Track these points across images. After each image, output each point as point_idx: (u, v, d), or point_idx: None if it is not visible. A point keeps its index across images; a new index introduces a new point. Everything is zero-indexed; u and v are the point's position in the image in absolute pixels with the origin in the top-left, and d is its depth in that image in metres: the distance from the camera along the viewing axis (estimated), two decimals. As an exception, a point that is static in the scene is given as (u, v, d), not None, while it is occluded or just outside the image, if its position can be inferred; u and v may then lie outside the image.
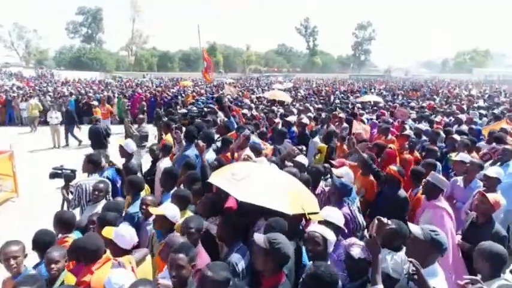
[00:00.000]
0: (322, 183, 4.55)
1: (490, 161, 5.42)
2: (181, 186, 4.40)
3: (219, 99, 8.51)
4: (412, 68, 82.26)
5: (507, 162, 5.11)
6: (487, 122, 9.93)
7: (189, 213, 3.53)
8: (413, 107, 12.78)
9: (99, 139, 9.19)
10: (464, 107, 12.80)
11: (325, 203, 4.07)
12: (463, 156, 5.04)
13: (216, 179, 3.24)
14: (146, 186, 4.67)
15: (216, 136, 6.24)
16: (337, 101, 15.41)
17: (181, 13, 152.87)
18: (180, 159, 5.10)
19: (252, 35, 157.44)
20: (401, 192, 4.19)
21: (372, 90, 22.80)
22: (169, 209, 3.13)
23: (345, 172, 4.11)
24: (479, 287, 2.16)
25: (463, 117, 9.45)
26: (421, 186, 4.33)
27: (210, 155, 5.05)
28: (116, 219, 3.15)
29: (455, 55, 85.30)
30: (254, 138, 5.72)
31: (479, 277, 2.33)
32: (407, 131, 7.27)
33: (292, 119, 8.24)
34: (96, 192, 4.11)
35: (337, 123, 8.74)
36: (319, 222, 2.96)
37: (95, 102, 14.28)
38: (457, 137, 6.25)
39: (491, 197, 3.26)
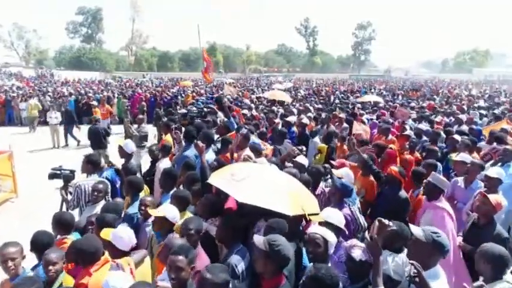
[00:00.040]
0: (322, 184, 4.53)
1: (491, 162, 5.40)
2: (181, 187, 4.38)
3: (219, 100, 8.49)
4: (412, 68, 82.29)
5: (508, 162, 5.08)
6: (488, 122, 9.90)
7: (188, 214, 3.51)
8: (413, 107, 12.75)
9: (98, 139, 9.17)
10: (465, 107, 12.79)
11: (325, 203, 4.05)
12: (464, 156, 5.02)
13: (216, 179, 3.23)
14: (145, 187, 4.65)
15: (216, 137, 6.21)
16: (337, 101, 15.39)
17: (181, 13, 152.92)
18: (180, 160, 5.08)
19: (252, 35, 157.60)
20: (402, 193, 4.17)
21: (372, 90, 22.76)
22: (170, 210, 3.11)
23: (345, 173, 4.09)
24: None
25: (464, 117, 9.43)
26: (422, 187, 4.30)
27: (210, 156, 5.03)
28: (114, 221, 3.13)
29: (455, 55, 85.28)
30: (254, 138, 5.70)
31: (481, 279, 2.31)
32: (408, 131, 7.25)
33: (292, 119, 8.22)
34: (96, 193, 4.09)
35: (337, 124, 8.72)
36: (320, 223, 2.94)
37: (95, 103, 14.26)
38: (457, 137, 6.22)
39: (493, 198, 3.23)
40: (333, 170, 4.24)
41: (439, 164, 5.34)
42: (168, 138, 6.61)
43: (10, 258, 2.75)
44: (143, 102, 16.19)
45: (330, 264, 2.60)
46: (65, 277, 2.73)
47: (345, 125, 8.77)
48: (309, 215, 2.98)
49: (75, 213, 4.48)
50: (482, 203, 3.28)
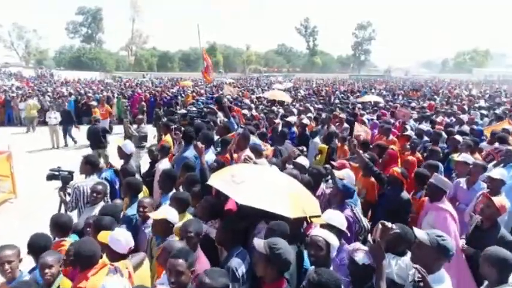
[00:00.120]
0: (323, 185, 4.48)
1: (493, 162, 5.36)
2: (180, 188, 4.33)
3: (219, 100, 8.44)
4: (412, 68, 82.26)
5: (510, 163, 5.04)
6: (489, 122, 9.86)
7: (188, 216, 3.47)
8: (414, 107, 12.71)
9: (97, 139, 9.13)
10: (465, 107, 12.75)
11: (326, 205, 4.01)
12: (466, 156, 4.97)
13: (216, 181, 3.17)
14: (144, 188, 4.61)
15: (216, 137, 6.17)
16: (336, 101, 15.35)
17: (181, 13, 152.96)
18: (179, 161, 5.04)
19: (252, 35, 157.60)
20: (404, 194, 4.13)
21: (373, 91, 22.71)
22: (170, 213, 3.07)
23: (346, 174, 4.05)
24: None
25: (465, 117, 9.39)
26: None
27: (210, 156, 4.98)
28: (111, 224, 3.08)
29: (455, 55, 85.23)
30: (254, 139, 5.65)
31: (486, 283, 2.27)
32: (409, 132, 7.22)
33: (292, 119, 8.18)
34: (95, 194, 4.04)
35: (337, 124, 8.69)
36: (321, 225, 2.90)
37: (94, 103, 14.21)
38: (459, 137, 6.18)
39: (497, 200, 3.18)
40: (335, 171, 4.19)
41: (440, 164, 5.31)
42: (167, 138, 6.56)
43: (6, 261, 2.72)
44: (143, 102, 16.14)
45: (332, 267, 2.56)
46: (62, 280, 2.69)
47: (346, 125, 8.74)
48: (310, 217, 2.94)
49: (74, 214, 4.44)
50: (487, 205, 3.23)
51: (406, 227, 2.66)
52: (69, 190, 4.60)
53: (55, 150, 12.32)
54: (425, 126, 8.38)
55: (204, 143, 4.75)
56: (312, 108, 11.00)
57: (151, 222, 3.18)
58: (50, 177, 4.70)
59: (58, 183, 4.70)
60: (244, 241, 3.02)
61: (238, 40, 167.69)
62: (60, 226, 3.26)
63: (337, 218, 2.94)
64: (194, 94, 17.98)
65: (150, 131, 10.53)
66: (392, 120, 9.15)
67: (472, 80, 47.98)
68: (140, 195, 4.20)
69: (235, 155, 4.96)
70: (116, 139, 7.09)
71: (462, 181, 4.60)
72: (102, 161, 9.05)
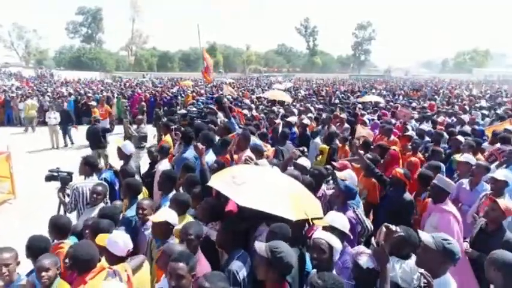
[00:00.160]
0: (323, 186, 4.44)
1: (496, 163, 5.31)
2: (180, 189, 4.29)
3: (219, 100, 8.40)
4: (412, 68, 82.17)
5: (513, 164, 4.99)
6: (490, 122, 9.82)
7: (188, 218, 3.42)
8: (414, 107, 12.68)
9: (97, 139, 9.09)
10: (466, 107, 12.70)
11: (326, 206, 3.97)
12: (468, 157, 4.93)
13: (216, 182, 3.13)
14: (144, 189, 4.56)
15: (217, 138, 6.11)
16: (337, 101, 15.32)
17: (181, 13, 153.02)
18: (179, 161, 4.99)
19: (252, 35, 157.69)
20: (407, 195, 4.09)
21: (373, 91, 22.66)
22: (170, 215, 3.02)
23: (348, 175, 4.01)
24: None
25: (466, 117, 9.35)
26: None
27: (210, 157, 4.93)
28: (109, 227, 3.03)
29: (455, 55, 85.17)
30: (255, 139, 5.61)
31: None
32: (410, 132, 7.18)
33: (293, 119, 8.13)
34: (95, 195, 4.00)
35: (338, 124, 8.64)
36: (324, 227, 2.85)
37: (93, 103, 14.16)
38: (461, 138, 6.14)
39: (503, 203, 3.12)
40: (337, 172, 4.15)
41: (442, 165, 5.26)
42: (167, 138, 6.52)
43: (4, 264, 2.67)
44: (143, 102, 16.08)
45: (334, 270, 2.52)
46: (60, 283, 2.64)
47: (346, 125, 8.70)
48: (312, 219, 2.89)
49: (73, 216, 4.40)
50: (491, 208, 3.17)
51: (410, 229, 2.61)
52: (68, 191, 4.57)
53: (55, 150, 12.28)
54: (426, 126, 8.34)
55: (204, 143, 4.71)
56: (312, 108, 10.96)
57: (151, 224, 3.14)
58: (49, 178, 4.66)
59: (58, 184, 4.66)
60: (245, 243, 2.98)
61: (238, 40, 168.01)
62: (59, 228, 3.22)
63: (340, 220, 2.90)
64: (194, 94, 17.94)
65: (150, 131, 10.49)
66: (393, 121, 9.11)
67: (472, 80, 47.92)
68: (140, 197, 4.16)
69: (235, 156, 4.92)
70: (115, 139, 7.05)
71: (465, 182, 4.54)
72: (102, 161, 9.03)
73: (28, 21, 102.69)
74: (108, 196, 4.32)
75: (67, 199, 4.52)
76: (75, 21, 70.96)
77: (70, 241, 3.21)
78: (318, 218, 2.96)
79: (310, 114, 9.36)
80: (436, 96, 19.38)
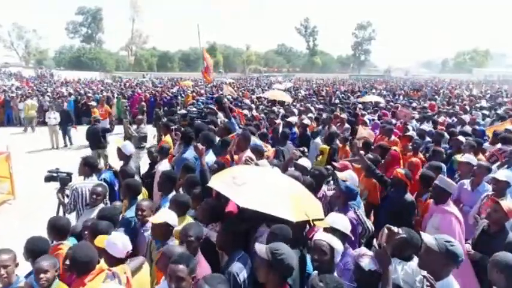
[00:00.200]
0: (324, 187, 4.42)
1: (497, 163, 5.29)
2: (180, 189, 4.27)
3: (219, 100, 8.38)
4: (412, 68, 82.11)
5: (515, 164, 4.97)
6: (490, 122, 9.80)
7: (188, 219, 3.40)
8: (415, 107, 12.66)
9: (97, 139, 9.07)
10: (467, 107, 12.68)
11: (326, 207, 3.94)
12: (469, 157, 4.90)
13: (216, 183, 3.11)
14: (144, 190, 4.54)
15: (217, 139, 6.09)
16: (336, 101, 15.29)
17: (181, 13, 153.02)
18: (179, 162, 4.97)
19: (252, 35, 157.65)
20: (408, 196, 4.06)
21: (373, 91, 22.64)
22: (170, 216, 3.00)
23: (349, 175, 3.98)
24: None
25: (467, 117, 9.32)
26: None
27: (210, 158, 4.91)
28: (108, 228, 3.00)
29: (455, 55, 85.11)
30: (255, 139, 5.58)
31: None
32: (411, 132, 7.16)
33: (293, 119, 8.11)
34: (94, 196, 3.98)
35: (338, 124, 8.62)
36: (325, 229, 2.83)
37: (93, 103, 14.13)
38: (462, 138, 6.12)
39: (506, 205, 3.09)
40: (337, 173, 4.12)
41: (443, 165, 5.24)
42: (167, 139, 6.50)
43: (2, 265, 2.65)
44: (143, 102, 16.06)
45: (336, 272, 2.49)
46: (59, 285, 2.62)
47: (347, 125, 8.67)
48: (313, 220, 2.87)
49: (72, 217, 4.38)
50: (494, 210, 3.13)
51: (412, 231, 2.59)
52: (67, 192, 4.54)
53: (55, 150, 12.26)
54: (427, 126, 8.32)
55: (204, 144, 4.69)
56: (312, 108, 10.94)
57: (150, 225, 3.11)
58: (48, 179, 4.64)
59: (57, 184, 4.64)
60: (246, 245, 2.96)
61: (238, 40, 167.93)
62: (58, 229, 3.19)
63: (341, 221, 2.88)
64: (194, 94, 17.92)
65: (150, 131, 10.46)
66: (393, 121, 9.09)
67: (472, 80, 47.89)
68: (140, 197, 4.13)
69: (236, 156, 4.90)
70: (115, 139, 7.03)
71: (466, 183, 4.52)
72: (102, 161, 9.01)
73: (28, 21, 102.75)
74: (107, 197, 4.30)
75: (66, 200, 4.50)
76: (75, 21, 70.96)
77: (69, 242, 3.19)
78: (319, 219, 2.94)
79: (310, 115, 9.34)
80: (436, 97, 19.35)
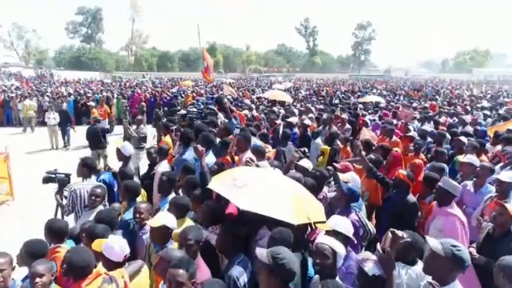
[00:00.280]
0: (324, 188, 4.37)
1: (500, 164, 5.23)
2: (180, 191, 4.21)
3: (219, 100, 8.32)
4: (412, 68, 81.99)
5: (518, 165, 4.92)
6: (492, 122, 9.74)
7: (187, 221, 3.35)
8: (415, 107, 12.60)
9: (97, 139, 9.02)
10: (468, 107, 12.63)
11: (327, 208, 3.89)
12: (472, 158, 4.85)
13: (217, 184, 3.05)
14: (143, 192, 4.48)
15: (218, 139, 6.04)
16: (337, 101, 15.23)
17: (181, 13, 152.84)
18: (179, 163, 4.91)
19: (252, 35, 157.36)
20: (410, 197, 4.01)
21: (374, 91, 22.58)
22: (168, 219, 2.95)
23: (351, 177, 3.94)
24: None
25: (468, 118, 9.27)
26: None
27: (210, 159, 4.85)
28: (105, 232, 2.95)
29: (455, 55, 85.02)
30: (255, 140, 5.53)
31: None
32: (412, 133, 7.10)
33: (294, 120, 8.06)
34: (93, 198, 3.92)
35: (339, 125, 8.57)
36: (327, 232, 2.78)
37: (93, 103, 14.08)
38: (464, 138, 6.06)
39: (511, 208, 3.04)
40: (339, 174, 4.07)
41: (446, 166, 5.19)
42: (167, 139, 6.45)
43: (-2, 269, 2.60)
44: (143, 102, 15.98)
45: (338, 276, 2.44)
46: (56, 288, 2.57)
47: (348, 126, 8.62)
48: (314, 223, 2.82)
49: (71, 218, 4.33)
50: (499, 213, 3.07)
51: (416, 234, 2.54)
52: (65, 193, 4.49)
53: (54, 151, 12.22)
54: (428, 127, 8.26)
55: (204, 145, 4.63)
56: (313, 108, 10.89)
57: (149, 228, 3.06)
58: (47, 180, 4.60)
59: (56, 185, 4.59)
60: (246, 248, 2.90)
61: (238, 40, 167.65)
62: (55, 232, 3.14)
63: (344, 224, 2.83)
64: (194, 94, 17.86)
65: (150, 131, 10.41)
66: (394, 121, 9.03)
67: (473, 80, 47.82)
68: (139, 199, 4.08)
69: (236, 158, 4.85)
70: (115, 140, 6.97)
71: (469, 184, 4.47)
72: (101, 161, 8.97)
73: (28, 21, 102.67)
74: (106, 198, 4.25)
75: (64, 201, 4.44)
76: (75, 21, 70.87)
77: (67, 245, 3.13)
78: (321, 222, 2.89)
79: (311, 115, 9.29)
80: (437, 97, 19.29)
